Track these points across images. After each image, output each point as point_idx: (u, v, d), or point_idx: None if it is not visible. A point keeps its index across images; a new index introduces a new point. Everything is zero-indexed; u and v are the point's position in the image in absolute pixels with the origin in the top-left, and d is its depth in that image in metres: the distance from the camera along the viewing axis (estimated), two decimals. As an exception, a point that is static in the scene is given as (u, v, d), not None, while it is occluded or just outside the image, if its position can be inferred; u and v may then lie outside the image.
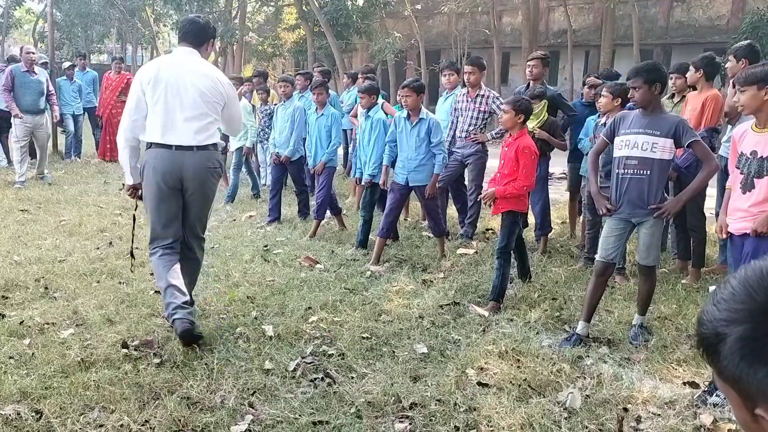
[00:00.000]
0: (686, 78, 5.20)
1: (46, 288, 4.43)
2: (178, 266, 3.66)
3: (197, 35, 3.73)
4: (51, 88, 8.99)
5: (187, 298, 3.55)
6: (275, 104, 7.55)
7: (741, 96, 3.17)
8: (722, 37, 17.84)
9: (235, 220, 6.90)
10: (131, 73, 12.16)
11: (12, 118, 8.50)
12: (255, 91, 8.71)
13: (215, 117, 3.70)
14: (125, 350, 3.46)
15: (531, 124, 5.46)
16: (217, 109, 3.70)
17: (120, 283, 4.59)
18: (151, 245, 3.72)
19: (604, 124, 4.97)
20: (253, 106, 8.39)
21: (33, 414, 2.80)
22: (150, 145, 3.66)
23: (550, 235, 6.03)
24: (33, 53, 8.78)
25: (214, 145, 3.74)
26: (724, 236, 3.43)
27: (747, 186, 3.18)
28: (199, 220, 3.83)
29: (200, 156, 3.63)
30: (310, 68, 17.56)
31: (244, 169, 8.15)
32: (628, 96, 3.73)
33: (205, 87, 3.62)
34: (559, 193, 7.86)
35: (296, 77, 8.03)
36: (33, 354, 3.38)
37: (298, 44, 26.33)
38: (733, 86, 3.43)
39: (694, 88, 5.23)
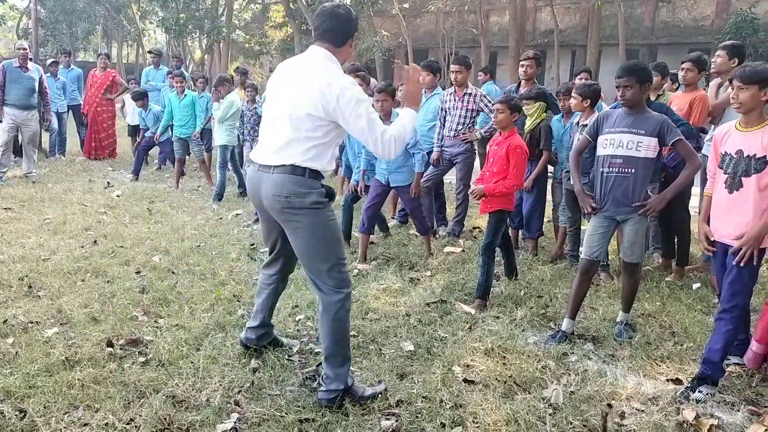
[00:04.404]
0: (696, 72, 5.10)
1: (30, 287, 4.39)
2: (265, 291, 3.44)
3: (336, 32, 3.01)
4: (45, 86, 8.93)
5: (258, 321, 3.44)
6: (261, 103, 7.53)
7: (740, 93, 3.16)
8: (707, 37, 18.03)
9: (221, 218, 6.88)
10: (117, 71, 12.08)
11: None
12: (243, 89, 8.70)
13: (309, 134, 2.89)
14: (110, 349, 3.44)
15: (526, 124, 5.46)
16: (316, 124, 2.88)
17: (105, 281, 4.56)
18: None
19: (578, 123, 5.02)
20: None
21: (17, 413, 2.78)
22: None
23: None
24: (25, 49, 8.73)
25: (304, 169, 2.90)
26: (706, 245, 3.39)
27: (734, 185, 3.19)
28: (306, 259, 3.01)
29: (274, 179, 2.91)
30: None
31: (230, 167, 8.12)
32: (619, 95, 3.72)
33: (306, 97, 2.86)
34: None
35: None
36: (17, 353, 3.35)
37: (285, 42, 26.31)
38: (730, 82, 3.41)
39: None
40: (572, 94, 5.06)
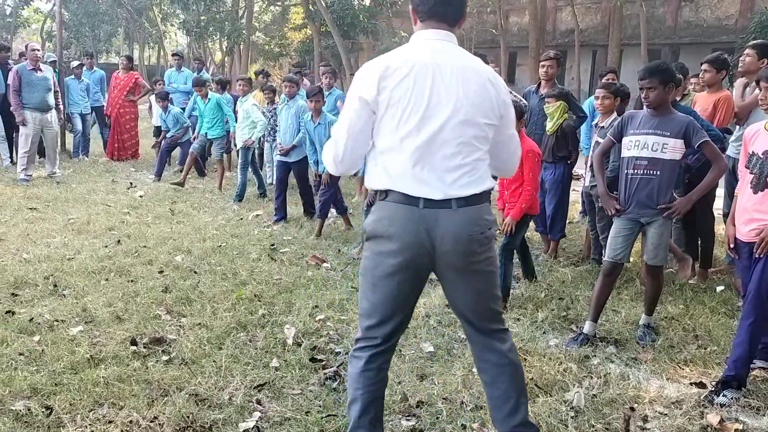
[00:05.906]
0: (715, 72, 5.02)
1: (56, 285, 4.46)
2: (384, 385, 2.44)
3: (459, 5, 2.30)
4: (56, 86, 9.01)
5: None
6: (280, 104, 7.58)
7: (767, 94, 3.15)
8: (730, 37, 17.75)
9: (242, 219, 6.93)
10: (139, 73, 12.21)
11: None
12: (261, 90, 8.77)
13: (484, 147, 2.32)
14: (134, 347, 3.48)
15: (548, 125, 5.43)
16: (489, 134, 2.31)
17: (129, 281, 4.62)
18: (358, 343, 2.41)
19: (597, 124, 4.97)
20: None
21: (43, 410, 2.83)
22: (384, 194, 2.29)
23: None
24: (38, 50, 8.75)
25: (489, 192, 2.36)
26: (730, 247, 3.36)
27: (759, 186, 3.15)
28: (489, 304, 2.38)
29: (464, 216, 2.24)
30: (317, 68, 17.64)
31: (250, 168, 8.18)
32: (642, 96, 3.68)
33: (479, 102, 2.25)
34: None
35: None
36: (43, 351, 3.41)
37: (304, 44, 26.42)
38: (757, 83, 3.38)
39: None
40: (601, 94, 4.91)
